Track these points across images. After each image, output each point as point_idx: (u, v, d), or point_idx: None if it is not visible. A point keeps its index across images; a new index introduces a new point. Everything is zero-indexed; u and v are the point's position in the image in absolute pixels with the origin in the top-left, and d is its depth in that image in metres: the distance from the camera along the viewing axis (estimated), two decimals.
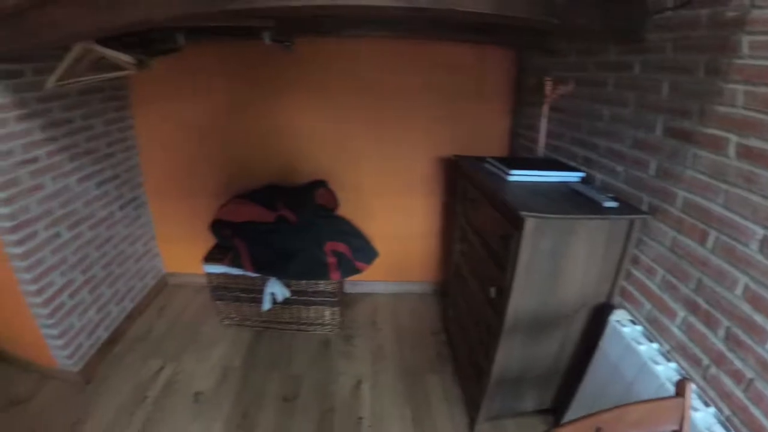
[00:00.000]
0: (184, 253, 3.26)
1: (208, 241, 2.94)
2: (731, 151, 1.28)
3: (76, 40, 1.89)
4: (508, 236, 1.66)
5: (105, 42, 1.96)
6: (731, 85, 1.28)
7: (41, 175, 2.14)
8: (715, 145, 1.35)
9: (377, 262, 2.69)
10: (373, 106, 2.80)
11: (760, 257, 1.18)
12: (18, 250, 2.02)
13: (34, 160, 2.10)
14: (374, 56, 2.68)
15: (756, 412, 1.19)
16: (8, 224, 1.96)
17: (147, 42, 2.30)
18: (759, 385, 1.18)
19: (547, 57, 2.40)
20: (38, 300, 2.14)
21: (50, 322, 2.21)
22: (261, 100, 2.84)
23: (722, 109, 1.32)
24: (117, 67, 2.13)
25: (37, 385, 2.38)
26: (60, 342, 2.27)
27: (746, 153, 1.23)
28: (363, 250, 2.62)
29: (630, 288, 1.72)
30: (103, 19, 1.49)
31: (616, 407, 0.99)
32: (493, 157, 2.21)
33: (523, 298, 1.69)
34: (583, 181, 1.94)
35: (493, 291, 1.84)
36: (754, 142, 1.20)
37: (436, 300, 3.20)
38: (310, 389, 2.39)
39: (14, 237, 1.99)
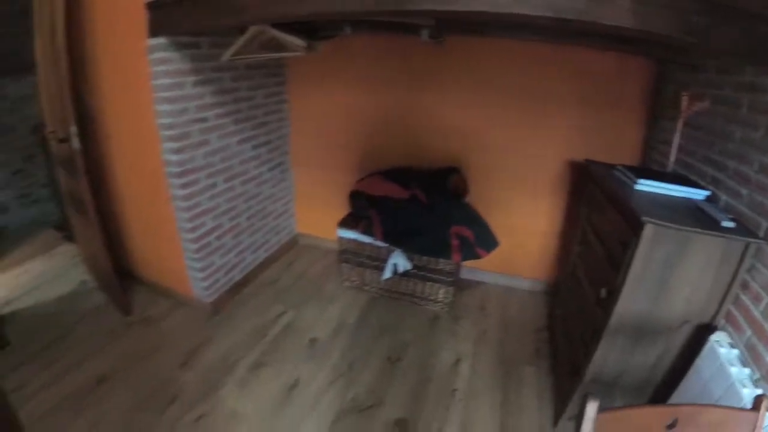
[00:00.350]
0: (316, 218, 3.62)
1: (338, 209, 3.24)
2: None
3: (257, 23, 2.23)
4: (626, 240, 1.67)
5: (276, 25, 2.28)
6: None
7: (208, 132, 2.55)
8: None
9: (494, 252, 2.76)
10: (512, 105, 2.82)
11: None
12: (181, 192, 2.45)
13: (204, 119, 2.51)
14: (518, 57, 2.69)
15: None
16: (177, 170, 2.39)
17: (312, 28, 2.59)
18: None
19: (686, 72, 2.27)
20: (190, 236, 2.57)
21: (196, 256, 2.64)
22: (406, 88, 3.01)
23: None
24: (283, 47, 2.44)
25: (171, 308, 2.87)
26: (200, 275, 2.71)
27: None
28: (485, 238, 2.71)
29: (735, 312, 1.62)
30: (288, 9, 1.75)
31: (697, 404, 1.06)
32: (623, 165, 2.18)
33: (631, 301, 1.67)
34: (708, 199, 1.84)
35: (604, 291, 1.84)
36: None
37: (544, 299, 3.17)
38: (414, 356, 2.54)
39: (180, 181, 2.42)
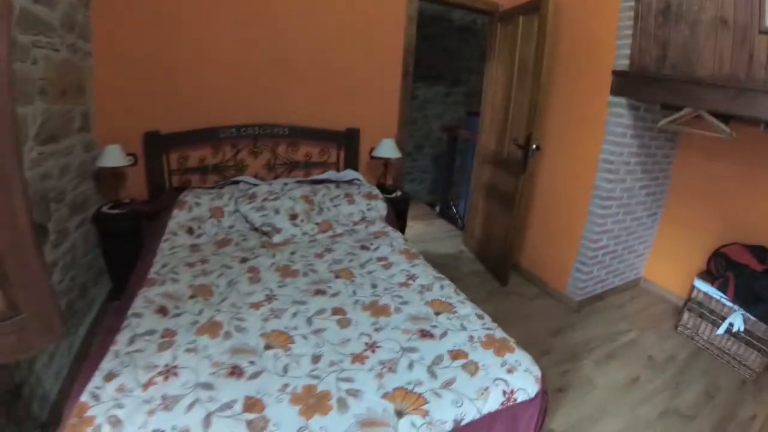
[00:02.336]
0: (662, 268, 4.08)
1: (684, 267, 3.74)
2: None
3: (702, 110, 2.87)
4: None
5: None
6: None
7: (628, 174, 3.34)
8: None
9: None
10: None
11: None
12: (599, 211, 3.30)
13: (628, 163, 3.30)
14: None
15: None
16: (603, 194, 3.26)
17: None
18: None
19: None
20: (591, 245, 3.41)
21: (588, 262, 3.46)
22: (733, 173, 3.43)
23: None
24: (708, 128, 2.99)
25: (539, 294, 3.80)
26: (582, 277, 3.52)
27: None
28: None
29: None
30: (735, 108, 2.54)
31: None
32: None
33: None
34: None
35: None
36: None
37: None
38: (721, 399, 2.87)
39: (602, 203, 3.29)
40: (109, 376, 1.50)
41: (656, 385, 2.91)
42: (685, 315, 3.52)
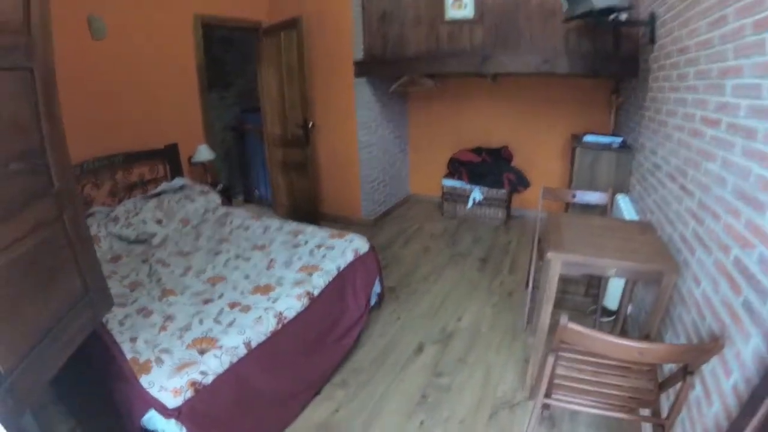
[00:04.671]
0: (421, 182, 6.02)
1: (434, 177, 5.59)
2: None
3: (415, 75, 4.58)
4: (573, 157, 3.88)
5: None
6: None
7: (377, 127, 4.99)
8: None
9: (525, 195, 5.06)
10: (529, 110, 5.09)
11: None
12: (366, 156, 4.92)
13: (376, 120, 4.95)
14: (538, 82, 4.87)
15: None
16: (365, 145, 4.83)
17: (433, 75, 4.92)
18: None
19: (619, 83, 4.37)
20: (368, 181, 5.02)
21: (369, 192, 5.08)
22: (477, 102, 5.33)
23: None
24: (421, 85, 4.75)
25: (345, 226, 5.11)
26: (368, 203, 5.13)
27: None
28: (522, 181, 4.97)
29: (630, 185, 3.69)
30: (436, 69, 4.33)
31: None
32: (582, 133, 4.22)
33: (578, 182, 3.82)
34: (621, 142, 3.81)
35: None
36: None
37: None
38: (486, 239, 4.77)
39: (366, 149, 4.89)
40: (132, 341, 2.13)
41: (441, 246, 4.68)
42: (445, 204, 5.39)
